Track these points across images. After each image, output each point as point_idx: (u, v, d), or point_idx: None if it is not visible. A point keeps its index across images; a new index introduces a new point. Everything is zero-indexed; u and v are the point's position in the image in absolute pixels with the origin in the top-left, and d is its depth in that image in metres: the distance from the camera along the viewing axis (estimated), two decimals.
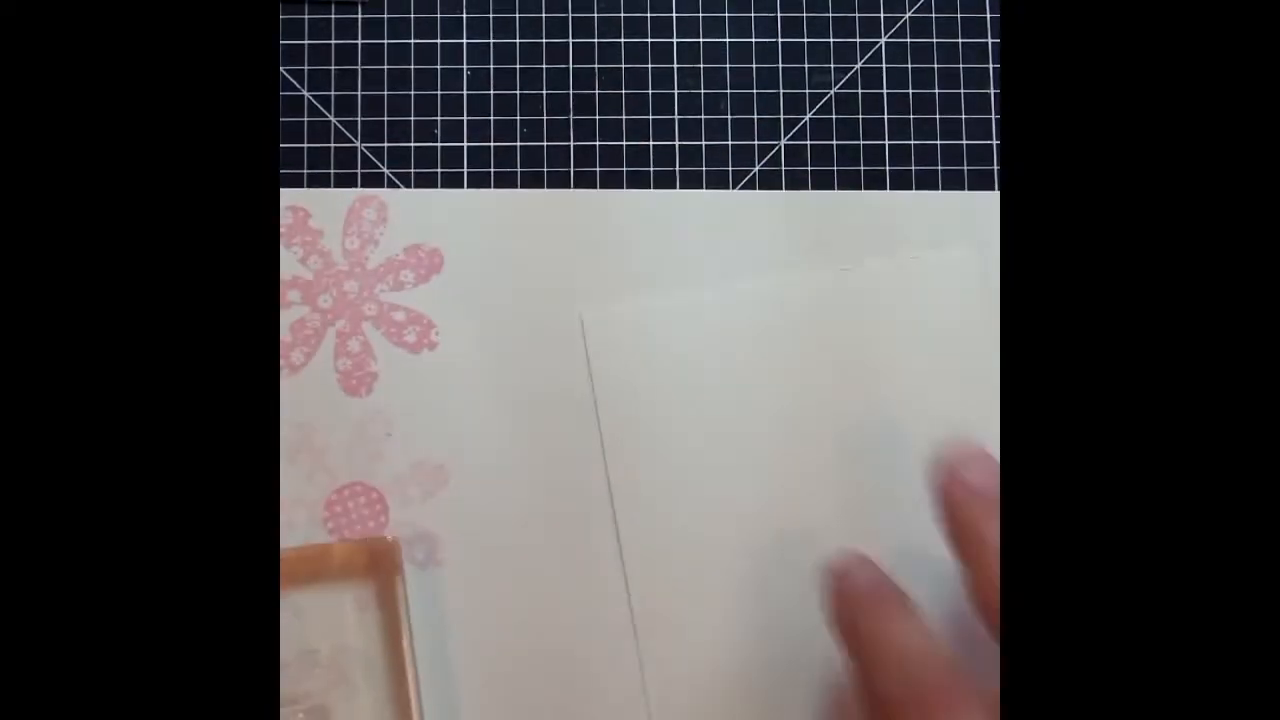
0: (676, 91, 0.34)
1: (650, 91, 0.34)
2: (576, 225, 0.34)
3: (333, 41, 0.34)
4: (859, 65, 0.34)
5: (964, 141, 0.34)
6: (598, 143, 0.34)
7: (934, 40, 0.34)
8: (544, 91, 0.35)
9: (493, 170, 0.34)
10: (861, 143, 0.34)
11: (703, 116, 0.34)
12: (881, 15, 0.34)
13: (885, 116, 0.34)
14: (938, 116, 0.34)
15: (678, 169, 0.34)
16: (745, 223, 0.34)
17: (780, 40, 0.34)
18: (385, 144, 0.34)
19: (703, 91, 0.35)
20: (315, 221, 0.33)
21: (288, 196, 0.33)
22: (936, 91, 0.35)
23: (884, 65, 0.34)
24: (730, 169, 0.34)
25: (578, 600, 0.32)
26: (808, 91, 0.35)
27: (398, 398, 0.33)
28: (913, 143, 0.34)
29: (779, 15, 0.34)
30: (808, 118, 0.34)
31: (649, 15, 0.34)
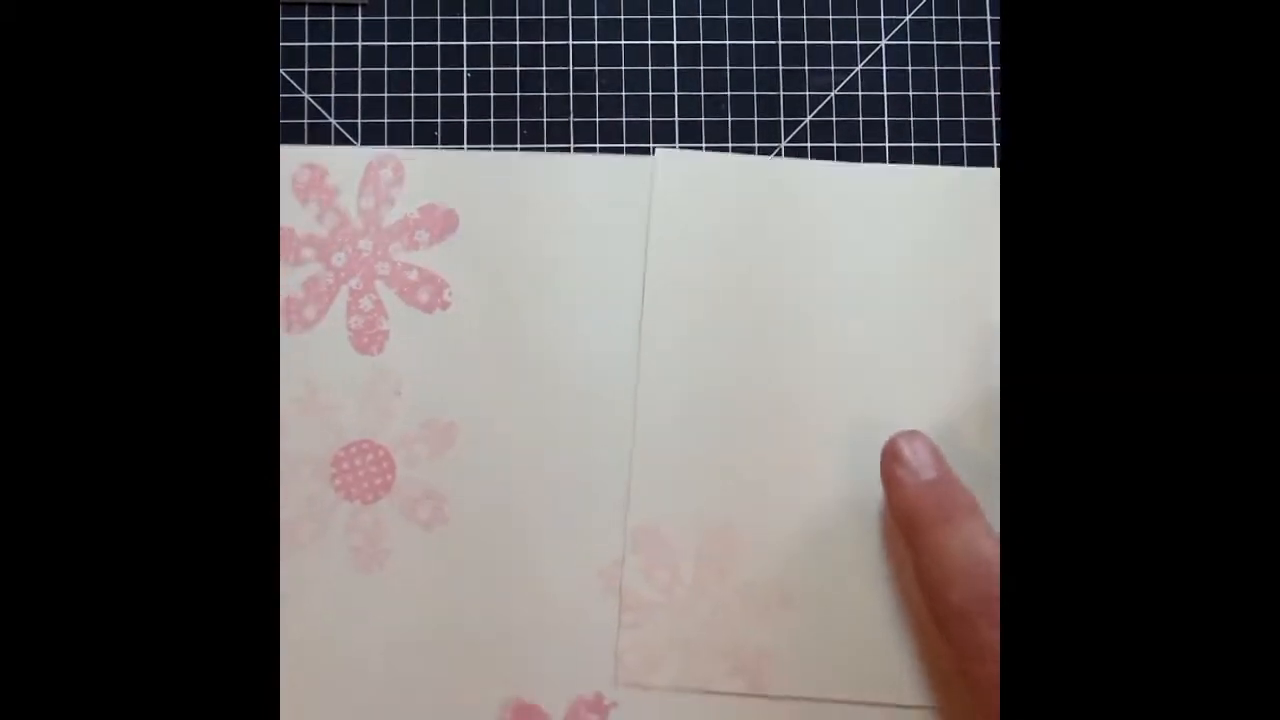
0: (676, 94, 0.34)
1: (650, 94, 0.34)
2: (591, 190, 0.34)
3: (333, 43, 0.34)
4: (859, 67, 0.34)
5: (964, 144, 0.34)
6: (598, 145, 0.34)
7: (934, 43, 0.34)
8: (544, 94, 0.35)
9: None
10: (862, 145, 0.34)
11: (703, 119, 0.34)
12: (882, 17, 0.34)
13: (885, 119, 0.34)
14: (938, 119, 0.34)
15: None
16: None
17: (780, 43, 0.34)
18: (386, 146, 0.34)
19: (703, 94, 0.34)
20: (332, 179, 0.33)
21: (305, 154, 0.33)
22: (936, 94, 0.35)
23: (884, 67, 0.34)
24: None
25: (583, 560, 0.32)
26: (808, 94, 0.35)
27: (408, 356, 0.33)
28: (913, 145, 0.34)
29: (779, 17, 0.34)
30: (808, 119, 0.34)
31: (649, 17, 0.34)
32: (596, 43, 0.34)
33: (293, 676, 0.32)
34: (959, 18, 0.35)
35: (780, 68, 0.34)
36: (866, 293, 0.33)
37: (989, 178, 0.34)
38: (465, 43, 0.34)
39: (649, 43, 0.34)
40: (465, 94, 0.34)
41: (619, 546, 0.32)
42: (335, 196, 0.33)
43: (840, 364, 0.33)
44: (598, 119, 0.34)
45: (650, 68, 0.34)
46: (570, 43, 0.34)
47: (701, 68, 0.34)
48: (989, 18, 0.35)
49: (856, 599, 0.32)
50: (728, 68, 0.34)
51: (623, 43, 0.34)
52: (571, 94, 0.35)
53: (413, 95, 0.34)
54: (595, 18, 0.34)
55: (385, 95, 0.34)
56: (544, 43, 0.34)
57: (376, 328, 0.33)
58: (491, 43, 0.34)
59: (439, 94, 0.34)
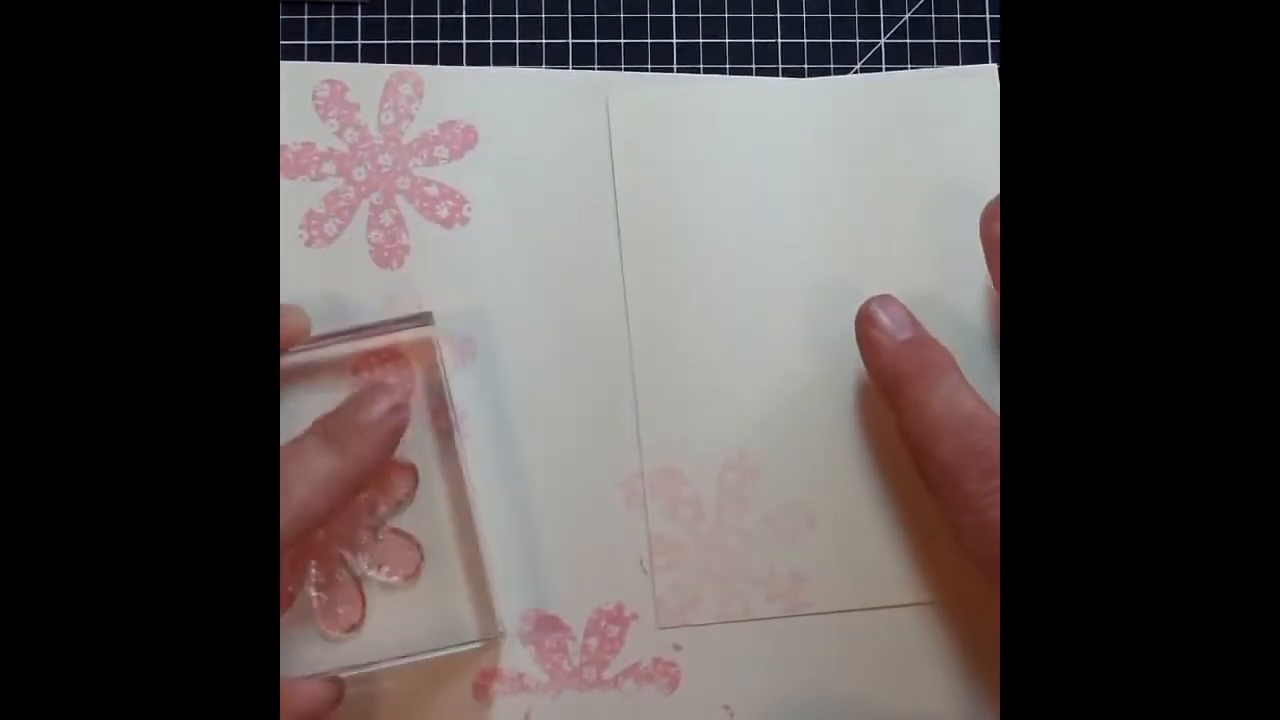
0: None
1: None
2: (610, 106, 0.34)
3: (333, 42, 0.34)
4: (858, 66, 0.34)
5: None
6: None
7: (933, 41, 0.34)
8: None
9: None
10: None
11: None
12: (881, 16, 0.35)
13: None
14: None
15: None
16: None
17: (780, 41, 0.34)
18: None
19: None
20: (352, 95, 0.34)
21: (325, 70, 0.34)
22: None
23: (884, 66, 0.34)
24: None
25: (603, 472, 0.33)
26: None
27: (428, 271, 0.33)
28: None
29: (779, 16, 0.35)
30: None
31: (649, 16, 0.34)
32: (596, 41, 0.34)
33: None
34: (958, 16, 0.35)
35: (780, 66, 0.34)
36: (841, 199, 0.34)
37: (945, 77, 0.34)
38: (465, 42, 0.34)
39: (648, 41, 0.34)
40: None
41: (637, 459, 0.33)
42: (355, 112, 0.34)
43: (828, 275, 0.33)
44: None
45: (649, 67, 0.34)
46: (570, 41, 0.34)
47: (701, 66, 0.34)
48: (988, 16, 0.35)
49: (879, 505, 0.33)
50: (727, 66, 0.34)
51: (622, 41, 0.34)
52: None
53: None
54: (595, 16, 0.34)
55: None
56: (544, 41, 0.34)
57: (397, 242, 0.33)
58: (492, 42, 0.34)
59: None
